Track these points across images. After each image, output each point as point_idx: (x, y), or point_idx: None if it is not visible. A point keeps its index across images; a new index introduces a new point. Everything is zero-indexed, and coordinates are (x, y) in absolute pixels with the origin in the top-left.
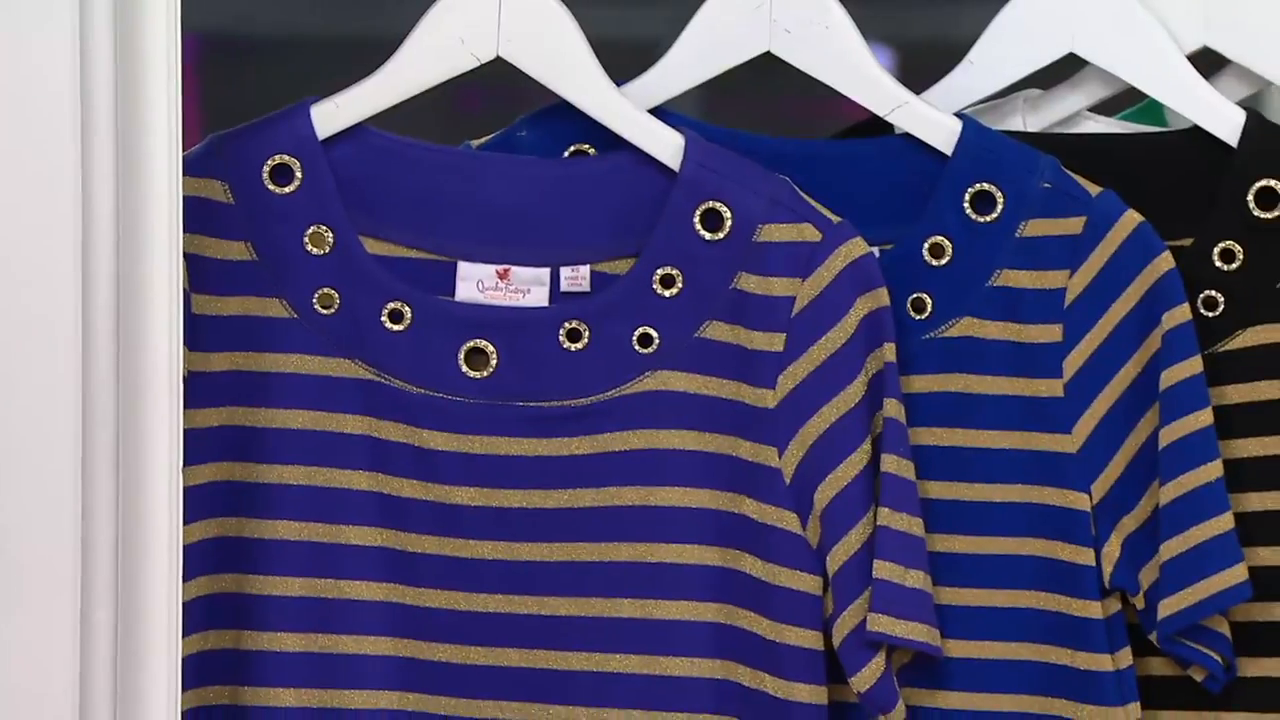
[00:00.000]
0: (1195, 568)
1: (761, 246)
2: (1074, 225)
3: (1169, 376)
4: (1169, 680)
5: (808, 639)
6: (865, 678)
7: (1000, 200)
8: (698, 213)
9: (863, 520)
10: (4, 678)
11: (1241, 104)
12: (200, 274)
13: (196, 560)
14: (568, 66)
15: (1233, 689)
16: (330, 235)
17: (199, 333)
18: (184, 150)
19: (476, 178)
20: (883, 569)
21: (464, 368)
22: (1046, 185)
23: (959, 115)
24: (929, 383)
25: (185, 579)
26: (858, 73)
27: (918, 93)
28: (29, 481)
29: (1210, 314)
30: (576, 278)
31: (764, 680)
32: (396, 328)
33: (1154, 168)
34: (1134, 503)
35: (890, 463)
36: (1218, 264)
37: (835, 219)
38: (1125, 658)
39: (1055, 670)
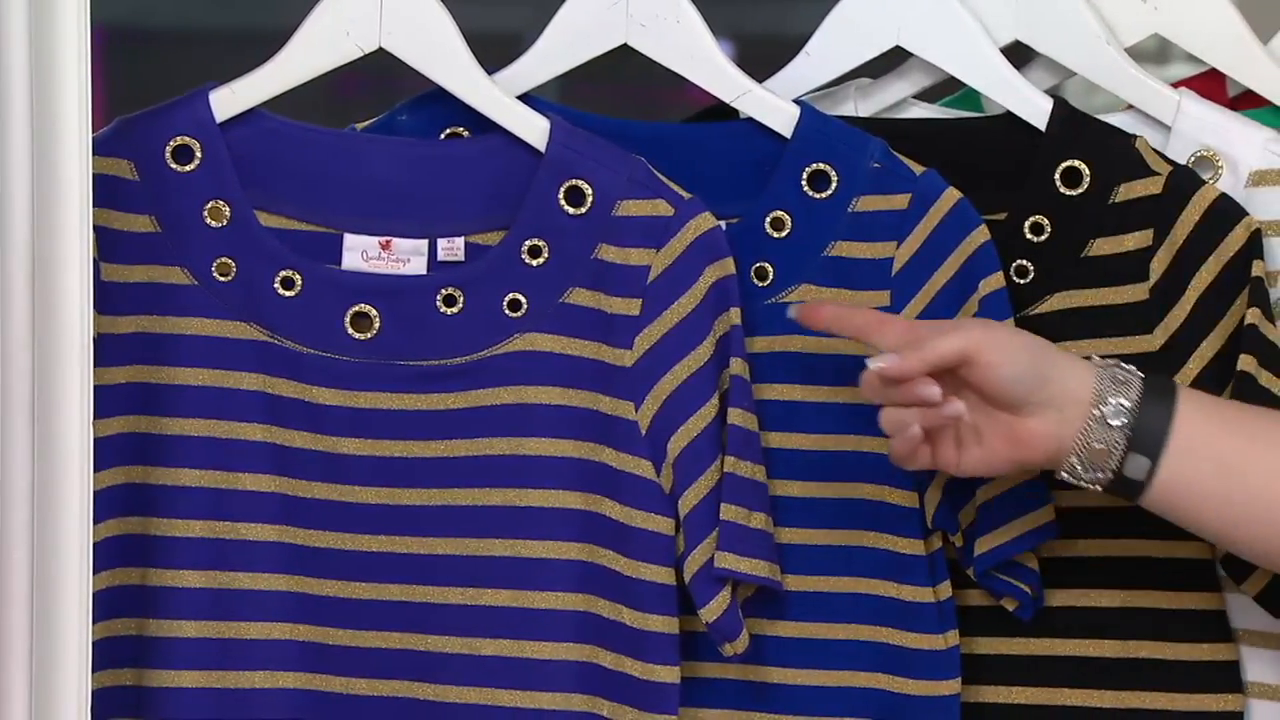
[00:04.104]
0: (1008, 510)
1: (620, 220)
2: (900, 201)
3: None
4: (984, 610)
5: (661, 575)
6: (713, 609)
7: (834, 179)
8: (562, 189)
9: (711, 467)
10: None
11: (1048, 92)
12: (109, 245)
13: (106, 504)
14: (444, 57)
15: (1040, 617)
16: (228, 209)
17: (107, 298)
18: (93, 133)
19: (361, 157)
20: (729, 511)
21: (349, 330)
22: (876, 165)
23: (797, 102)
24: (771, 343)
25: (96, 521)
26: (706, 63)
27: (759, 82)
28: None
29: (1022, 281)
30: (452, 248)
31: (622, 612)
32: (288, 294)
33: (972, 149)
34: None
35: (736, 415)
36: (1028, 236)
37: (686, 195)
38: (945, 590)
39: (884, 602)
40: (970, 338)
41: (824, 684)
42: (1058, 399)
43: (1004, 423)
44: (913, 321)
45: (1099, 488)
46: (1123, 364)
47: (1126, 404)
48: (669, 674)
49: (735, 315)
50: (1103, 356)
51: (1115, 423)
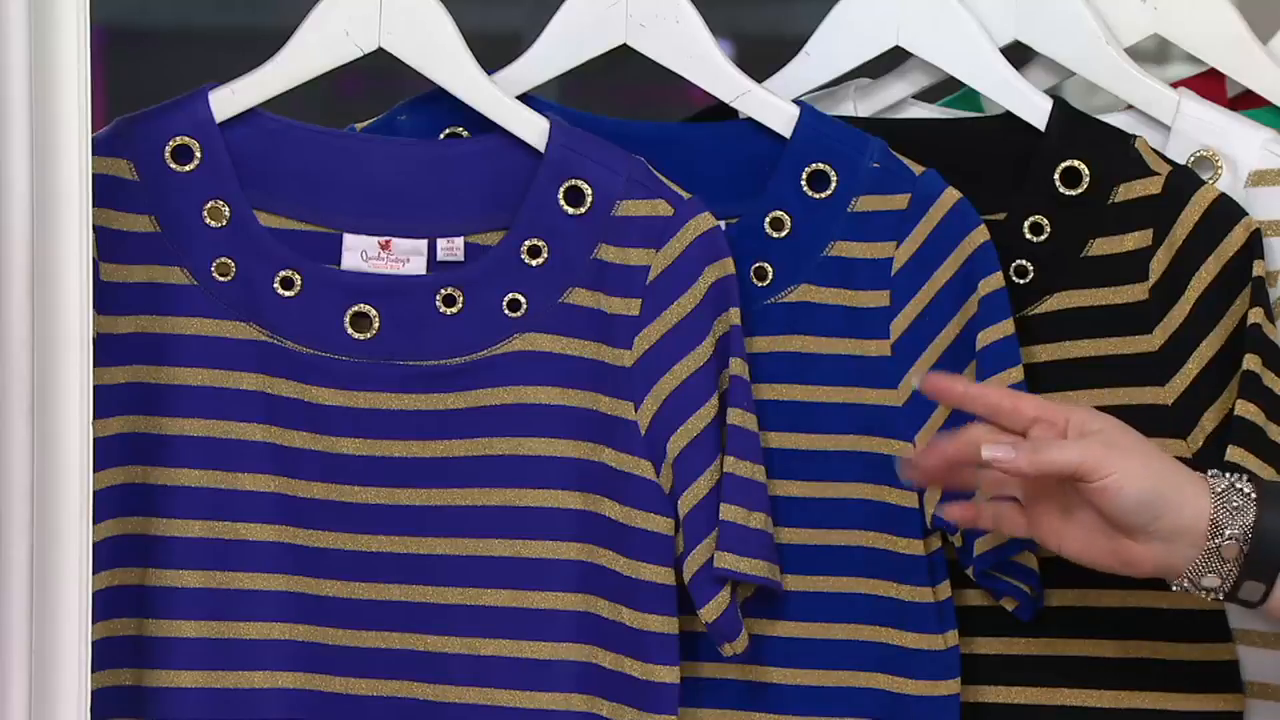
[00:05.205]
0: None
1: (619, 220)
2: (900, 201)
3: (985, 337)
4: (984, 610)
5: (661, 575)
6: (712, 609)
7: (834, 179)
8: (561, 190)
9: (711, 467)
10: None
11: (1048, 92)
12: (108, 245)
13: (106, 504)
14: (443, 57)
15: (1040, 617)
16: (227, 209)
17: (107, 298)
18: (93, 133)
19: (360, 157)
20: (728, 511)
21: (349, 330)
22: (875, 165)
23: (797, 102)
24: (770, 343)
25: (96, 521)
26: (705, 63)
27: (759, 82)
28: None
29: (1021, 281)
30: (452, 248)
31: (621, 612)
32: (287, 294)
33: (971, 149)
34: None
35: (736, 416)
36: (1028, 236)
37: (686, 195)
38: (945, 590)
39: (883, 602)
40: (1088, 456)
41: (824, 684)
42: (1170, 532)
43: (1111, 537)
44: (1043, 405)
45: (1209, 600)
46: (1238, 483)
47: (1240, 534)
48: (669, 674)
49: (735, 315)
50: (1103, 357)
51: (1229, 555)
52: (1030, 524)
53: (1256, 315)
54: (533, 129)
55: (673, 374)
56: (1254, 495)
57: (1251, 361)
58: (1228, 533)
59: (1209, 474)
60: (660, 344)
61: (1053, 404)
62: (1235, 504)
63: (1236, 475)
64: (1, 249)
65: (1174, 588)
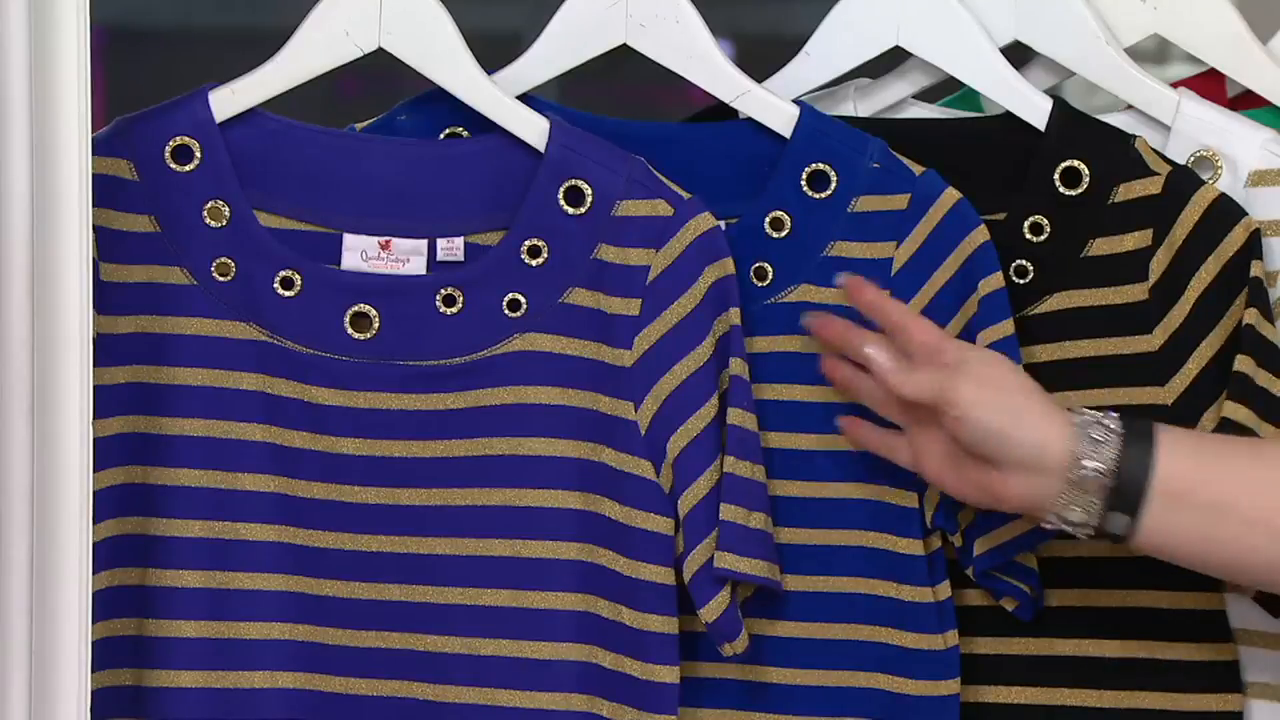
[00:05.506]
0: None
1: (619, 220)
2: (900, 201)
3: (985, 337)
4: (984, 610)
5: (661, 575)
6: (712, 609)
7: (834, 179)
8: (561, 190)
9: (711, 467)
10: None
11: (1048, 92)
12: (108, 245)
13: (106, 504)
14: (443, 57)
15: (1040, 617)
16: (227, 209)
17: (107, 298)
18: (93, 133)
19: (360, 157)
20: (728, 511)
21: (349, 330)
22: (875, 165)
23: (797, 102)
24: (770, 343)
25: (96, 521)
26: (705, 63)
27: (759, 82)
28: None
29: (1021, 281)
30: (452, 248)
31: (621, 612)
32: (287, 294)
33: (971, 149)
34: None
35: (736, 415)
36: (1028, 236)
37: (686, 195)
38: (945, 590)
39: (883, 602)
40: (944, 387)
41: (824, 684)
42: (1031, 461)
43: (980, 470)
44: (936, 337)
45: (1082, 537)
46: (1104, 418)
47: (1102, 466)
48: (669, 674)
49: (735, 315)
50: (1103, 357)
51: (1091, 487)
52: (915, 457)
53: (1251, 316)
54: (533, 129)
55: (673, 374)
56: (1119, 430)
57: (1243, 363)
58: (1088, 465)
59: (1073, 409)
60: (660, 344)
61: (948, 339)
62: (1097, 436)
63: (1105, 413)
64: (1, 249)
65: (1045, 525)
